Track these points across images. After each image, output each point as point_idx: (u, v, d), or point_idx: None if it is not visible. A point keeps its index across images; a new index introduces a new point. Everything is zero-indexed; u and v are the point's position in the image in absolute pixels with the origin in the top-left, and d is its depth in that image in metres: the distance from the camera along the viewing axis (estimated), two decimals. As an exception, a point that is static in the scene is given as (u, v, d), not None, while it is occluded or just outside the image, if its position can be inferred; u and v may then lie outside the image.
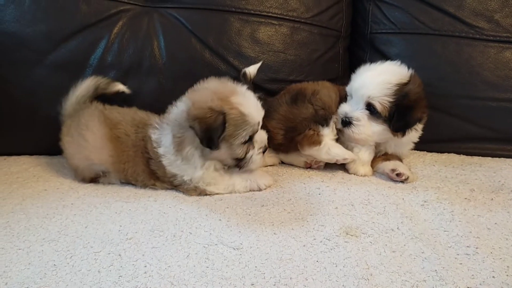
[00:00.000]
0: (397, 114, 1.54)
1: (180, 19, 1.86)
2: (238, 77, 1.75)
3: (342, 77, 2.05)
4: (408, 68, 1.63)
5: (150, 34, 1.84)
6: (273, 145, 1.71)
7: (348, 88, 1.67)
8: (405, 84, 1.56)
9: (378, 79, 1.57)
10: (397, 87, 1.54)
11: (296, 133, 1.68)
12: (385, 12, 2.00)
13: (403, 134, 1.60)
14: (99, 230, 1.25)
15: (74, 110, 1.68)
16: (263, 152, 1.50)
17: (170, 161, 1.48)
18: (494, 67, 1.86)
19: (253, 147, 1.47)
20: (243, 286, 1.00)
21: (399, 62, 1.64)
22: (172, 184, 1.52)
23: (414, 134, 1.68)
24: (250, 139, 1.45)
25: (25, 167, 1.75)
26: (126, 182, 1.60)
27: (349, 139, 1.66)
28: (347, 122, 1.62)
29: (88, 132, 1.57)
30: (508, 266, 1.08)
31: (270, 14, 1.91)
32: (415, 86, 1.56)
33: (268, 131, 1.59)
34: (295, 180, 1.63)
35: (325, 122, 1.67)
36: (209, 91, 1.43)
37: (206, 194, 1.50)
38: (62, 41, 1.77)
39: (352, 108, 1.63)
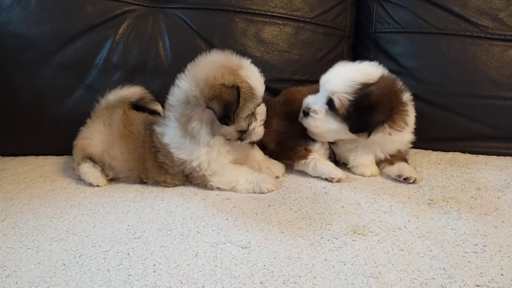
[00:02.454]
0: (355, 114, 1.48)
1: (185, 19, 1.87)
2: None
3: (346, 77, 2.05)
4: (407, 68, 1.67)
5: (155, 34, 1.85)
6: (267, 152, 1.72)
7: (320, 80, 1.61)
8: (370, 84, 1.48)
9: (343, 76, 1.52)
10: (360, 86, 1.48)
11: (288, 148, 1.68)
12: (390, 12, 2.00)
13: (368, 135, 1.53)
14: (107, 230, 1.26)
15: (114, 105, 1.73)
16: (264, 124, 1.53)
17: (178, 145, 1.49)
18: (499, 66, 1.86)
19: (255, 119, 1.48)
20: (252, 284, 1.00)
21: (377, 64, 1.58)
22: (184, 173, 1.53)
23: (405, 134, 1.59)
24: (253, 112, 1.47)
25: (32, 168, 1.76)
26: (136, 181, 1.61)
27: (308, 132, 1.61)
28: (305, 113, 1.58)
29: (112, 127, 1.62)
30: (516, 264, 1.08)
31: (274, 14, 1.91)
32: (380, 87, 1.48)
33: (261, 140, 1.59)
34: (300, 180, 1.63)
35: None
36: (217, 65, 1.42)
37: (210, 188, 1.52)
38: (68, 41, 1.78)
39: (315, 101, 1.58)
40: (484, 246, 1.15)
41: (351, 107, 1.48)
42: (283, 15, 1.92)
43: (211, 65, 1.43)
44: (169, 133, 1.50)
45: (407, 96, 1.56)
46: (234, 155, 1.55)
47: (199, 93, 1.39)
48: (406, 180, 1.56)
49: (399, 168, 1.60)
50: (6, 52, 1.77)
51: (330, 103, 1.53)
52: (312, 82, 1.94)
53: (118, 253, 1.14)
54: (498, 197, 1.44)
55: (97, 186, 1.59)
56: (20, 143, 1.88)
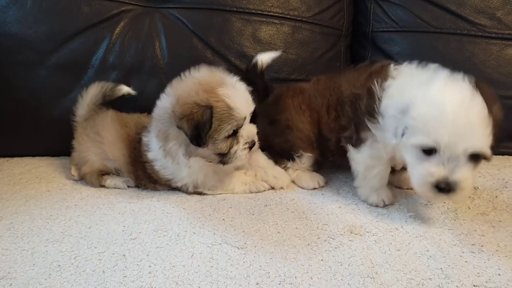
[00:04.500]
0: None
1: (181, 19, 1.86)
2: (249, 66, 1.72)
3: (344, 76, 2.05)
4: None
5: (151, 34, 1.84)
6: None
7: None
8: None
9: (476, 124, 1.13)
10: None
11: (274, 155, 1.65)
12: (387, 11, 2.00)
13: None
14: (103, 231, 1.25)
15: (88, 114, 1.69)
16: (250, 148, 1.39)
17: (162, 165, 1.45)
18: (497, 65, 1.86)
19: (237, 142, 1.37)
20: (248, 285, 0.99)
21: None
22: (171, 187, 1.51)
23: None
24: (235, 133, 1.35)
25: (28, 168, 1.75)
26: (134, 185, 1.60)
27: None
28: (443, 189, 1.16)
29: (104, 131, 1.58)
30: (513, 264, 1.07)
31: (271, 14, 1.91)
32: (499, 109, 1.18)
33: None
34: (298, 179, 1.62)
35: (290, 157, 1.60)
36: (195, 82, 1.34)
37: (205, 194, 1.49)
38: (64, 42, 1.77)
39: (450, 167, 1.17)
40: (482, 246, 1.15)
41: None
42: (280, 15, 1.91)
43: (191, 81, 1.36)
44: (153, 149, 1.45)
45: None
46: (221, 172, 1.48)
47: (172, 112, 1.32)
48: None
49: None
50: (2, 53, 1.75)
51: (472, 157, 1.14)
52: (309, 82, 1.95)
53: (113, 254, 1.13)
54: (496, 196, 1.43)
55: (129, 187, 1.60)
56: (16, 144, 1.87)
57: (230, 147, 1.36)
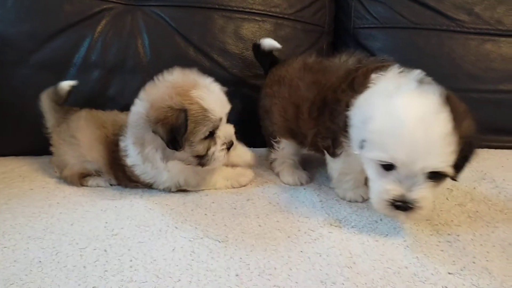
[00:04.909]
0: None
1: (163, 17, 1.86)
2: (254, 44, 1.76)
3: (326, 72, 2.07)
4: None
5: (134, 32, 1.84)
6: None
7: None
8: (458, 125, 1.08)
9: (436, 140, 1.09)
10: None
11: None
12: (368, 7, 2.03)
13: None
14: (85, 227, 1.25)
15: (58, 121, 1.65)
16: (228, 149, 1.39)
17: (142, 171, 1.44)
18: (475, 59, 1.89)
19: (215, 143, 1.36)
20: (228, 277, 1.01)
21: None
22: (151, 187, 1.50)
23: None
24: (212, 134, 1.35)
25: (11, 168, 1.74)
26: (117, 183, 1.59)
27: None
28: (400, 207, 1.11)
29: (79, 133, 1.54)
30: (488, 252, 1.10)
31: (253, 11, 1.92)
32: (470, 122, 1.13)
33: None
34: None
35: (271, 144, 1.61)
36: (168, 86, 1.33)
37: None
38: (46, 40, 1.77)
39: (406, 183, 1.11)
40: (458, 235, 1.18)
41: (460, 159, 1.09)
42: (261, 12, 1.93)
43: (164, 85, 1.34)
44: (131, 155, 1.43)
45: None
46: (202, 174, 1.47)
47: (146, 117, 1.31)
48: None
49: None
50: (-17, 52, 1.75)
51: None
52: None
53: (95, 250, 1.13)
54: (474, 188, 1.46)
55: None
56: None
57: (208, 149, 1.36)
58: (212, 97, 1.32)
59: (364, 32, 2.05)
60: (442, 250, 1.10)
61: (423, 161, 1.02)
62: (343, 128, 1.24)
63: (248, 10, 1.91)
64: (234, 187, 1.52)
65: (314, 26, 2.03)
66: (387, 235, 1.18)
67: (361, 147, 1.14)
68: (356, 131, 1.17)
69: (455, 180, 1.13)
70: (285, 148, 1.60)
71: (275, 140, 1.59)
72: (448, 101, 1.06)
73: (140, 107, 1.36)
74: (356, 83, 1.24)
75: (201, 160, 1.37)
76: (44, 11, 1.78)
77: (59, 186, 1.58)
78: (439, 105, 1.04)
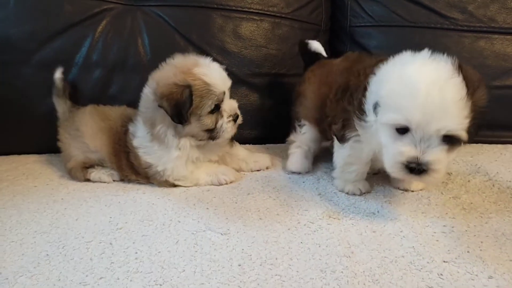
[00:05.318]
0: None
1: (163, 17, 1.90)
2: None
3: (323, 70, 2.11)
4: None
5: (134, 32, 1.88)
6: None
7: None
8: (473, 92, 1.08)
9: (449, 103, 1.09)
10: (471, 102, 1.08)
11: None
12: (363, 6, 2.07)
13: None
14: (90, 222, 1.29)
15: (65, 116, 1.73)
16: (235, 121, 1.49)
17: (146, 150, 1.50)
18: (469, 56, 1.92)
19: (222, 116, 1.46)
20: (230, 267, 1.04)
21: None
22: (146, 175, 1.54)
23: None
24: (218, 108, 1.45)
25: (15, 166, 1.77)
26: (119, 179, 1.63)
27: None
28: (415, 170, 1.12)
29: (83, 125, 1.62)
30: (482, 242, 1.13)
31: (251, 10, 1.96)
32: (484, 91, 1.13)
33: None
34: (279, 170, 1.68)
35: (294, 128, 1.71)
36: (172, 67, 1.44)
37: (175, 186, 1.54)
38: (48, 40, 1.80)
39: (422, 146, 1.13)
40: (453, 227, 1.21)
41: (473, 128, 1.11)
42: (259, 11, 1.97)
43: (168, 67, 1.46)
44: (139, 135, 1.51)
45: None
46: (205, 159, 1.55)
47: (153, 94, 1.42)
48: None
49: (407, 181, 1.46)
50: (-14, 53, 1.78)
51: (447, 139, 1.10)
52: (290, 76, 2.00)
53: (100, 243, 1.17)
54: (469, 181, 1.50)
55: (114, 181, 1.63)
56: (2, 142, 1.88)
57: (216, 122, 1.45)
58: (213, 73, 1.42)
59: (360, 30, 2.08)
60: (437, 240, 1.14)
61: (437, 123, 1.04)
62: (358, 107, 1.27)
63: (246, 9, 1.95)
64: (213, 184, 1.55)
65: (311, 25, 2.07)
66: (384, 226, 1.21)
67: (376, 113, 1.17)
68: (371, 97, 1.21)
69: (464, 144, 1.12)
70: (306, 133, 1.67)
71: (299, 123, 1.68)
72: (460, 69, 1.09)
73: (148, 89, 1.47)
74: (377, 67, 1.26)
75: (211, 133, 1.47)
76: (45, 12, 1.81)
77: (63, 182, 1.61)
78: (452, 71, 1.07)
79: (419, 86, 1.05)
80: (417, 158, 1.09)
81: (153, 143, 1.49)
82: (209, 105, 1.41)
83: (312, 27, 2.07)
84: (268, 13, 1.97)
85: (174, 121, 1.40)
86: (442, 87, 1.04)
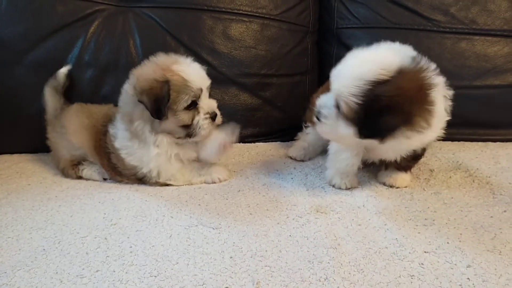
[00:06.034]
0: (364, 120, 1.22)
1: (154, 18, 1.93)
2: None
3: (311, 71, 2.17)
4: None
5: (125, 33, 1.91)
6: None
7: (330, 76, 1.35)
8: (383, 82, 1.18)
9: (351, 72, 1.24)
10: (369, 87, 1.18)
11: None
12: (350, 8, 2.12)
13: (381, 141, 1.27)
14: (84, 218, 1.32)
15: (55, 113, 1.76)
16: (213, 119, 1.50)
17: (128, 151, 1.52)
18: (451, 57, 1.99)
19: (198, 113, 1.47)
20: (222, 259, 1.08)
21: (401, 47, 1.34)
22: (136, 177, 1.56)
23: (425, 135, 1.30)
24: (195, 105, 1.47)
25: (7, 165, 1.79)
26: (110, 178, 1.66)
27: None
28: (317, 118, 1.36)
29: (68, 122, 1.66)
30: (461, 234, 1.19)
31: (240, 12, 2.00)
32: (396, 87, 1.18)
33: None
34: (269, 167, 1.73)
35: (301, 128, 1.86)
36: (153, 64, 1.48)
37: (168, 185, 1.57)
38: (40, 41, 1.83)
39: (326, 103, 1.33)
40: (434, 220, 1.27)
41: (361, 111, 1.21)
42: (248, 13, 2.01)
43: (149, 64, 1.49)
44: (119, 136, 1.53)
45: (436, 92, 1.29)
46: (185, 156, 1.56)
47: (133, 89, 1.44)
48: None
49: (393, 178, 1.52)
50: (-22, 53, 1.80)
51: (338, 106, 1.27)
52: (279, 77, 2.05)
53: (95, 238, 1.20)
54: (450, 177, 1.56)
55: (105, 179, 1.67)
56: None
57: (192, 118, 1.47)
58: (191, 71, 1.46)
59: (346, 32, 2.14)
60: (419, 233, 1.19)
61: (335, 83, 1.27)
62: None
63: (236, 11, 1.99)
64: (207, 183, 1.59)
65: (299, 26, 2.12)
66: (369, 219, 1.27)
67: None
68: None
69: None
70: (309, 134, 1.82)
71: (305, 125, 1.84)
72: (407, 67, 1.23)
73: (128, 85, 1.49)
74: None
75: (188, 130, 1.48)
76: (37, 12, 1.83)
77: (56, 181, 1.64)
78: (387, 58, 1.23)
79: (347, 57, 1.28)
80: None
81: (132, 142, 1.50)
82: (185, 100, 1.43)
83: (300, 28, 2.12)
84: (257, 14, 2.01)
85: (153, 117, 1.42)
86: (359, 60, 1.25)
